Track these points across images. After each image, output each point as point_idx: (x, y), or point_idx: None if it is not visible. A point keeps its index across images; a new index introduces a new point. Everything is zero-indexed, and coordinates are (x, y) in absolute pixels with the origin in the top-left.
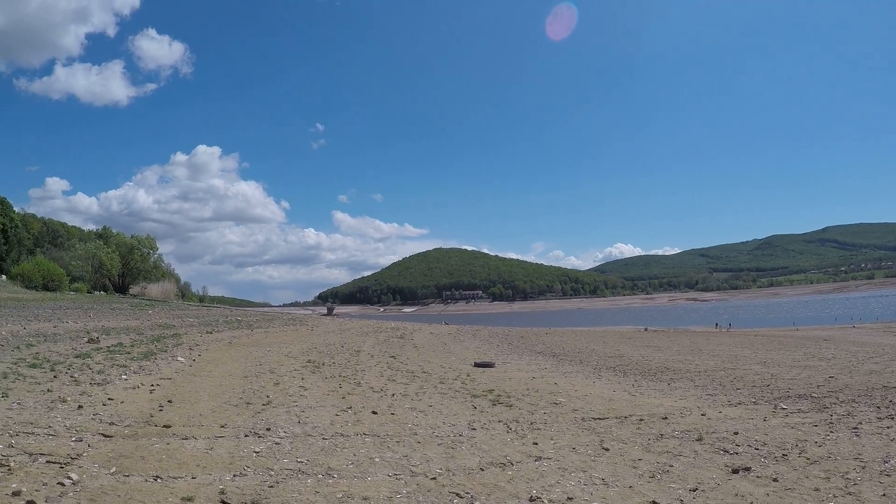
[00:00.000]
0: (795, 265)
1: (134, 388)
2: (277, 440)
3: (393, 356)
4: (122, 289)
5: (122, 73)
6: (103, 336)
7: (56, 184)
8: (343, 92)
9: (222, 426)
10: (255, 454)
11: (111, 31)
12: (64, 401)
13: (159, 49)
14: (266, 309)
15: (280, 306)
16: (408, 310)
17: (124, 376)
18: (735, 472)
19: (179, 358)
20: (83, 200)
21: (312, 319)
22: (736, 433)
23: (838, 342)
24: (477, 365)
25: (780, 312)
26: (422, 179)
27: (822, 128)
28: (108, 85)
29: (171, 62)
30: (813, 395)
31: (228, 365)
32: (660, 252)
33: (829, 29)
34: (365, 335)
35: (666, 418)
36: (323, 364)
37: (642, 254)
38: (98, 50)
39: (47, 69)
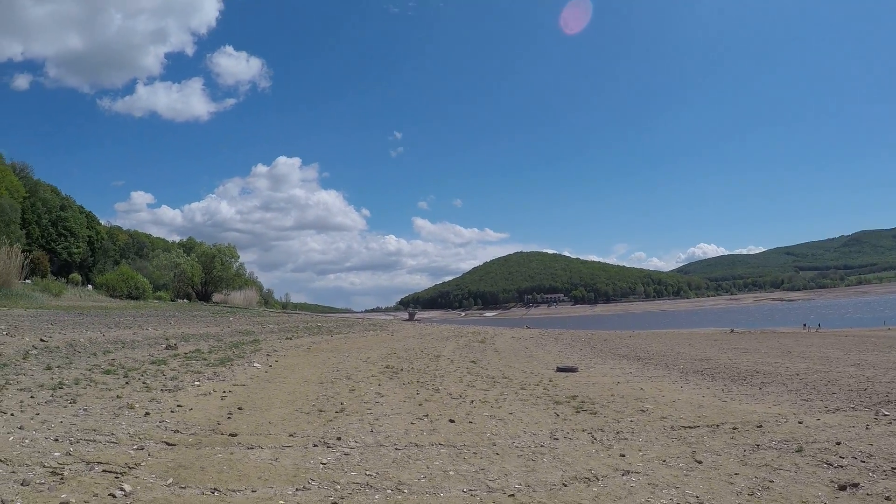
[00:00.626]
0: (885, 262)
1: (205, 394)
2: (347, 450)
3: (473, 361)
4: (204, 297)
5: (201, 89)
6: (182, 342)
7: (141, 197)
8: (419, 99)
9: (291, 435)
10: (321, 466)
11: (189, 50)
12: (132, 407)
13: (237, 65)
14: (348, 315)
15: (362, 312)
16: (489, 314)
17: (197, 382)
18: (842, 488)
19: (256, 364)
20: (167, 213)
21: (393, 324)
22: (838, 443)
23: None
24: (559, 370)
25: (869, 311)
26: (501, 183)
27: None
28: (189, 101)
29: (249, 77)
30: None
31: (304, 371)
32: (744, 251)
33: None
34: (445, 340)
35: (761, 426)
36: (401, 370)
37: (726, 253)
38: (177, 68)
39: (129, 88)
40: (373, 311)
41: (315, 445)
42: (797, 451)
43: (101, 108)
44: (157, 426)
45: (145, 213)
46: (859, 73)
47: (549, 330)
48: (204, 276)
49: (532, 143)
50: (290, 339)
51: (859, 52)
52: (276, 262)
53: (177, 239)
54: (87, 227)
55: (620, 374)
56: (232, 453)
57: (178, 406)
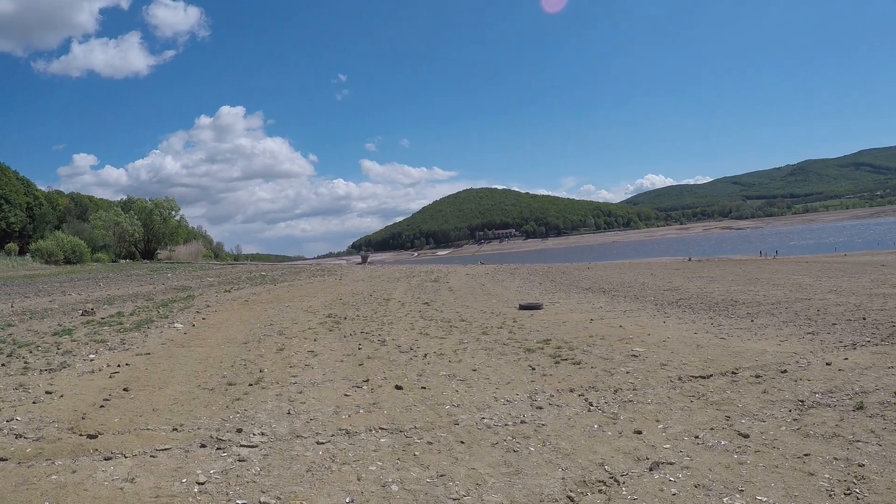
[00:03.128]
0: (830, 190)
1: (92, 371)
2: (245, 452)
3: (426, 303)
4: (148, 255)
5: (139, 43)
6: (105, 306)
7: (83, 159)
8: (362, 40)
9: (175, 429)
10: (197, 488)
11: (125, 3)
12: None
13: (175, 16)
14: (298, 262)
15: (314, 258)
16: (441, 253)
17: (92, 356)
18: None
19: (177, 324)
20: (112, 173)
21: (343, 269)
22: None
23: None
24: (522, 307)
25: (818, 238)
26: (448, 121)
27: (853, 45)
28: (127, 57)
29: (187, 27)
30: None
31: (231, 328)
32: (691, 181)
33: None
34: (396, 281)
35: (785, 371)
36: (345, 318)
37: (674, 184)
38: (113, 23)
39: (64, 48)
40: (325, 256)
41: (202, 445)
42: (858, 409)
43: (36, 70)
44: None
45: (89, 175)
46: (805, 10)
47: (503, 265)
48: (145, 232)
49: (479, 79)
50: (230, 291)
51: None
52: (225, 214)
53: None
54: (25, 195)
55: (590, 308)
56: (74, 471)
57: (46, 393)
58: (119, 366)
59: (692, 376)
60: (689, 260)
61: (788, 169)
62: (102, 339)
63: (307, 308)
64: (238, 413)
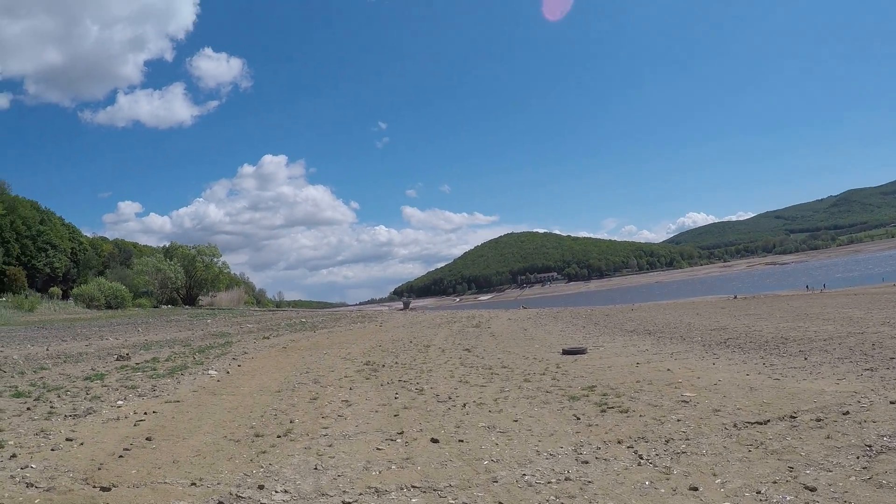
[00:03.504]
0: (874, 219)
1: (117, 419)
2: None
3: (467, 349)
4: (189, 300)
5: (183, 94)
6: (142, 351)
7: (128, 207)
8: (401, 88)
9: (193, 483)
10: None
11: (168, 56)
12: (1, 446)
13: (217, 67)
14: (340, 309)
15: (356, 305)
16: (483, 297)
17: (120, 402)
18: None
19: (211, 371)
20: (156, 220)
21: (383, 315)
22: None
23: None
24: (566, 352)
25: (864, 269)
26: (488, 166)
27: (892, 71)
28: (171, 107)
29: (230, 78)
30: None
31: (266, 376)
32: (733, 218)
33: None
34: (437, 327)
35: (847, 413)
36: (383, 366)
37: (716, 221)
38: (158, 75)
39: (110, 99)
40: (367, 302)
41: (220, 503)
42: None
43: (83, 120)
44: (11, 477)
45: (134, 222)
46: (843, 34)
47: (546, 309)
48: (187, 278)
49: (516, 123)
50: (268, 338)
51: (843, 12)
52: (267, 261)
53: (166, 245)
54: (70, 240)
55: (636, 351)
56: None
57: (66, 440)
58: (146, 413)
59: (748, 422)
60: (735, 298)
61: (831, 200)
62: (133, 385)
63: (345, 355)
64: (262, 467)
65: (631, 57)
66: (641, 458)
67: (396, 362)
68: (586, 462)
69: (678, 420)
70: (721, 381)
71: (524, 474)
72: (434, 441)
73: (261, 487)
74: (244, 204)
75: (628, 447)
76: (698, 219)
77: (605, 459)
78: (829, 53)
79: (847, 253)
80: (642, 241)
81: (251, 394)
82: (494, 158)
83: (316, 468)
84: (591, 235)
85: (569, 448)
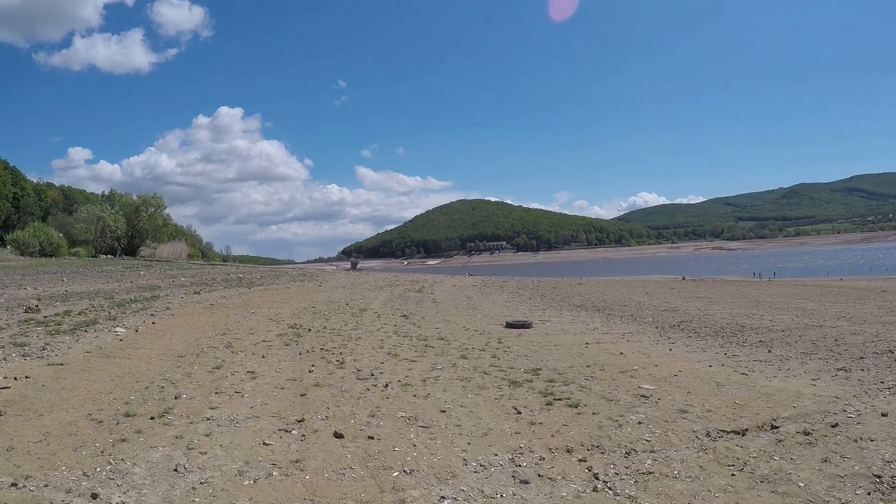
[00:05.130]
0: (822, 214)
1: None
2: None
3: (405, 315)
4: (130, 251)
5: (142, 40)
6: (57, 303)
7: (78, 153)
8: (363, 47)
9: (14, 483)
10: None
11: (129, 0)
12: None
13: (179, 14)
14: (287, 266)
15: (304, 263)
16: (431, 262)
17: None
18: None
19: (119, 329)
20: (106, 168)
21: (326, 274)
22: None
23: None
24: (510, 325)
25: (809, 261)
26: (444, 132)
27: (851, 76)
28: (129, 53)
29: (191, 27)
30: None
31: (177, 336)
32: (684, 201)
33: None
34: (378, 290)
35: (837, 426)
36: (309, 330)
37: (667, 202)
38: (117, 19)
39: (66, 42)
40: (315, 261)
41: None
42: None
43: (37, 62)
44: None
45: (83, 169)
46: (802, 36)
47: (492, 277)
48: (128, 228)
49: (477, 91)
50: (199, 293)
51: (804, 16)
52: (217, 214)
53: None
54: (13, 185)
55: (584, 329)
56: None
57: None
58: (16, 378)
59: (723, 431)
60: (684, 279)
61: (781, 192)
62: (23, 343)
63: (273, 316)
64: (111, 464)
65: (605, 39)
66: (597, 479)
67: (325, 327)
68: (526, 482)
69: (639, 423)
70: (682, 371)
71: (442, 497)
72: (338, 436)
73: (94, 496)
74: (197, 155)
75: (580, 460)
76: (650, 199)
77: (550, 479)
78: (790, 56)
79: (793, 244)
80: (593, 216)
81: (149, 358)
82: (452, 124)
83: (176, 469)
84: (543, 207)
85: (505, 456)
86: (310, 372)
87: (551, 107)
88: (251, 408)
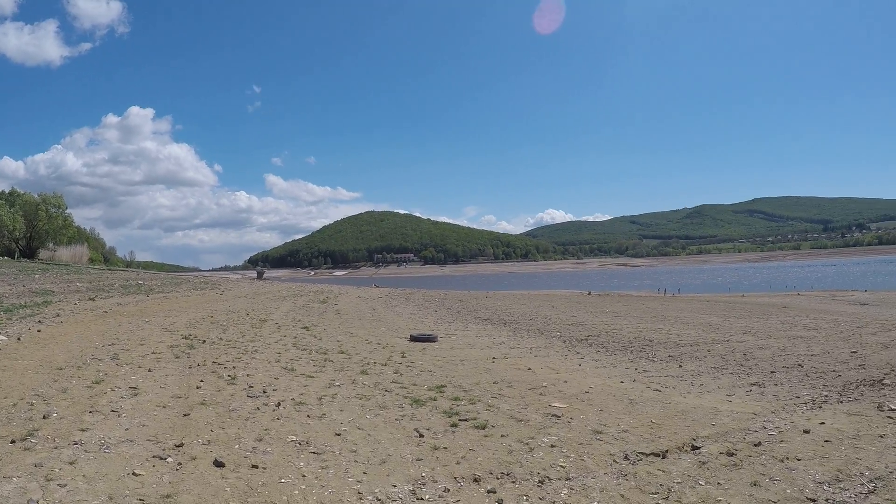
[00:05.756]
0: (724, 234)
1: None
2: None
3: (306, 327)
4: (30, 253)
5: (56, 32)
6: None
7: None
8: (281, 53)
9: None
10: None
11: None
12: None
13: (96, 8)
14: (188, 274)
15: (209, 271)
16: (339, 273)
17: None
18: None
19: (0, 336)
20: (9, 164)
21: (229, 283)
22: None
23: (800, 310)
24: (414, 339)
25: (710, 278)
26: (356, 142)
27: (754, 105)
28: (41, 45)
29: (107, 21)
30: (885, 382)
31: (61, 346)
32: (591, 218)
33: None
34: (282, 300)
35: (759, 444)
36: (203, 341)
37: (573, 219)
38: (32, 8)
39: None
40: (221, 269)
41: None
42: None
43: None
44: None
45: None
46: (708, 65)
47: (399, 289)
48: (27, 229)
49: (390, 103)
50: (94, 299)
51: (707, 47)
52: (123, 218)
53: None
54: None
55: (491, 343)
56: None
57: None
58: None
59: (642, 453)
60: (589, 294)
61: (685, 212)
62: None
63: (168, 326)
64: None
65: (510, 49)
66: None
67: (221, 338)
68: None
69: (552, 446)
70: (593, 388)
71: None
72: (218, 465)
73: None
74: (104, 155)
75: (489, 491)
76: (556, 216)
77: None
78: (696, 84)
79: (696, 262)
80: (500, 231)
81: (25, 370)
82: (364, 134)
83: None
84: (451, 221)
85: (405, 487)
86: (197, 388)
87: (461, 122)
88: (126, 430)
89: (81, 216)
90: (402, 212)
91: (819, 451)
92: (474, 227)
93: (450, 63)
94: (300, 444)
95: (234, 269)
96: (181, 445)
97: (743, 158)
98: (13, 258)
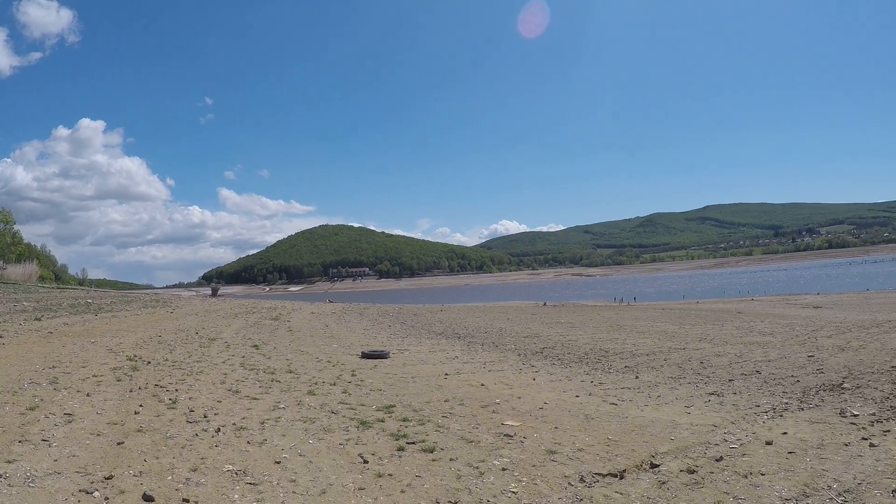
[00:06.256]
0: (677, 242)
1: None
2: None
3: (256, 345)
4: None
5: (4, 41)
6: None
7: None
8: (233, 64)
9: None
10: None
11: None
12: None
13: (46, 16)
14: (139, 292)
15: (163, 288)
16: (294, 288)
17: None
18: None
19: None
20: None
21: (181, 300)
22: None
23: (754, 315)
24: (366, 356)
25: (665, 286)
26: (309, 155)
27: (700, 108)
28: None
29: (57, 30)
30: (845, 386)
31: None
32: (545, 229)
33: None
34: (233, 317)
35: (721, 459)
36: (148, 363)
37: (527, 230)
38: None
39: None
40: (175, 286)
41: None
42: None
43: None
44: None
45: None
46: (656, 69)
47: (353, 304)
48: None
49: (342, 114)
50: (39, 319)
51: (654, 51)
52: (74, 234)
53: None
54: None
55: (444, 358)
56: None
57: None
58: None
59: (599, 474)
60: (545, 305)
61: (638, 220)
62: None
63: (114, 346)
64: None
65: (460, 57)
66: None
67: (167, 359)
68: None
69: (503, 469)
70: (547, 403)
71: None
72: (147, 499)
73: None
74: (54, 170)
75: None
76: (511, 227)
77: None
78: (646, 88)
79: (650, 270)
80: (455, 243)
81: None
82: (318, 147)
83: None
84: (406, 234)
85: None
86: (136, 414)
87: (414, 132)
88: (55, 461)
89: (32, 232)
90: (356, 225)
91: (783, 464)
92: (429, 239)
93: (400, 73)
94: (236, 473)
95: (188, 286)
96: (111, 478)
97: (693, 164)
98: None
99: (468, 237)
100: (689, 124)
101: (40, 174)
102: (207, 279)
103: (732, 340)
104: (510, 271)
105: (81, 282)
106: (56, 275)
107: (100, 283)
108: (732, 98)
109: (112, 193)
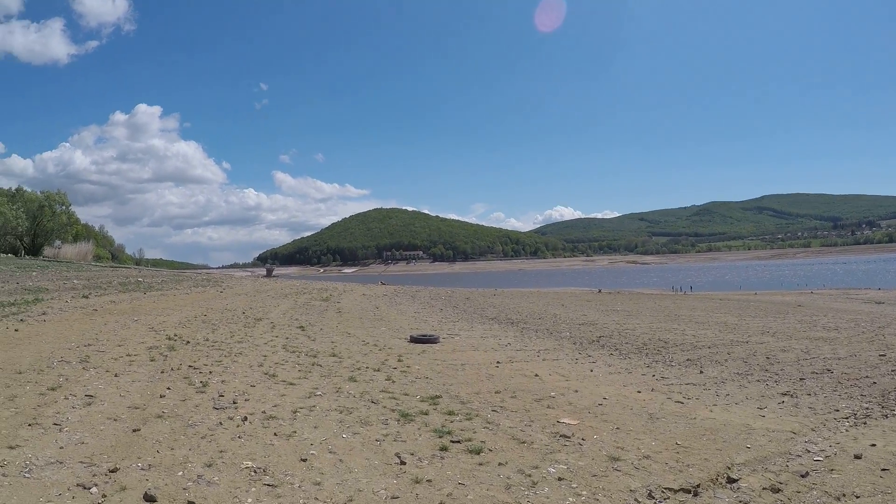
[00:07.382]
0: (733, 231)
1: None
2: None
3: (302, 327)
4: (34, 251)
5: (62, 30)
6: None
7: None
8: (288, 51)
9: None
10: None
11: None
12: None
13: (102, 5)
14: (194, 271)
15: (219, 268)
16: (348, 270)
17: None
18: None
19: None
20: (18, 163)
21: (232, 280)
22: None
23: (815, 308)
24: (414, 340)
25: (721, 276)
26: (364, 139)
27: (760, 100)
28: (48, 43)
29: (113, 19)
30: None
31: (32, 347)
32: (599, 216)
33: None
34: (283, 297)
35: (807, 476)
36: (188, 342)
37: (582, 217)
38: (38, 6)
39: None
40: (231, 266)
41: None
42: None
43: None
44: None
45: None
46: (715, 63)
47: (405, 287)
48: (32, 227)
49: (399, 100)
50: (87, 297)
51: (718, 47)
52: (131, 216)
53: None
54: None
55: (496, 345)
56: None
57: None
58: None
59: (669, 488)
60: (599, 291)
61: (694, 209)
62: None
63: (156, 325)
64: None
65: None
66: None
67: (207, 339)
68: None
69: (559, 478)
70: (607, 399)
71: None
72: (149, 499)
73: None
74: (112, 153)
75: None
76: (565, 213)
77: None
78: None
79: (705, 259)
80: (509, 228)
81: None
82: (371, 131)
83: None
84: (460, 218)
85: None
86: (161, 397)
87: (469, 118)
88: (61, 448)
89: (90, 214)
90: (410, 209)
91: (879, 485)
92: (483, 224)
93: (458, 59)
94: (255, 472)
95: (244, 266)
96: (115, 470)
97: (751, 155)
98: (17, 256)
99: (522, 222)
100: (748, 113)
101: (98, 158)
102: (262, 260)
103: (797, 335)
104: (564, 257)
105: (138, 262)
106: (113, 255)
107: (156, 263)
108: (792, 88)
109: (169, 176)
